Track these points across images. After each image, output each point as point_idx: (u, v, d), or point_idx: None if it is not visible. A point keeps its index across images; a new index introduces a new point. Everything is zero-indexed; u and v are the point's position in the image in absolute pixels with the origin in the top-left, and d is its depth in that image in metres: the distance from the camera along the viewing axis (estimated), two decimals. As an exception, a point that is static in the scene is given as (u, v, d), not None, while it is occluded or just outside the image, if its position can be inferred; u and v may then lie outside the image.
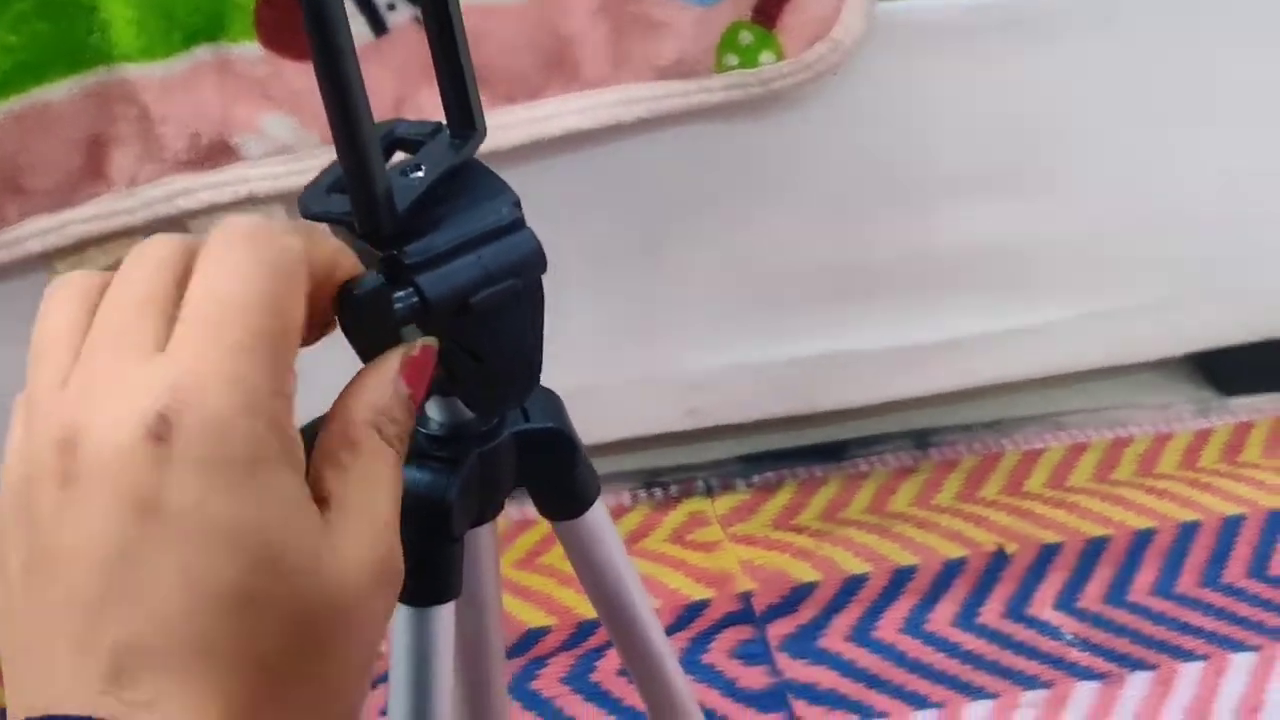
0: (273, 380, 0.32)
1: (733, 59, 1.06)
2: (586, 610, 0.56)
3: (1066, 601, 1.22)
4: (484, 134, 0.46)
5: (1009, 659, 1.17)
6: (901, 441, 1.44)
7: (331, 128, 0.39)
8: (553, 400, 0.55)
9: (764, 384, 1.32)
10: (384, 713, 0.55)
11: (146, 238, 0.36)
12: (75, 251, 1.06)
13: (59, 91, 0.97)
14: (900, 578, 1.26)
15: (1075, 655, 1.17)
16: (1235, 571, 1.25)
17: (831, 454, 1.42)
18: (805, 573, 1.27)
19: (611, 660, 1.16)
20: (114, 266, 0.36)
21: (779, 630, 1.21)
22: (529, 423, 0.53)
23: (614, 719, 1.13)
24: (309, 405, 0.37)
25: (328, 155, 0.38)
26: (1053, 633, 1.19)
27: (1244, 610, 1.20)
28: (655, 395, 1.30)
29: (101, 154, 1.01)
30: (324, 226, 0.42)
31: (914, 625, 1.21)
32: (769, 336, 1.29)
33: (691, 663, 1.18)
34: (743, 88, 1.08)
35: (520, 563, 1.28)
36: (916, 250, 1.25)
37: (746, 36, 1.05)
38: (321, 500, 0.34)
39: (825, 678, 1.16)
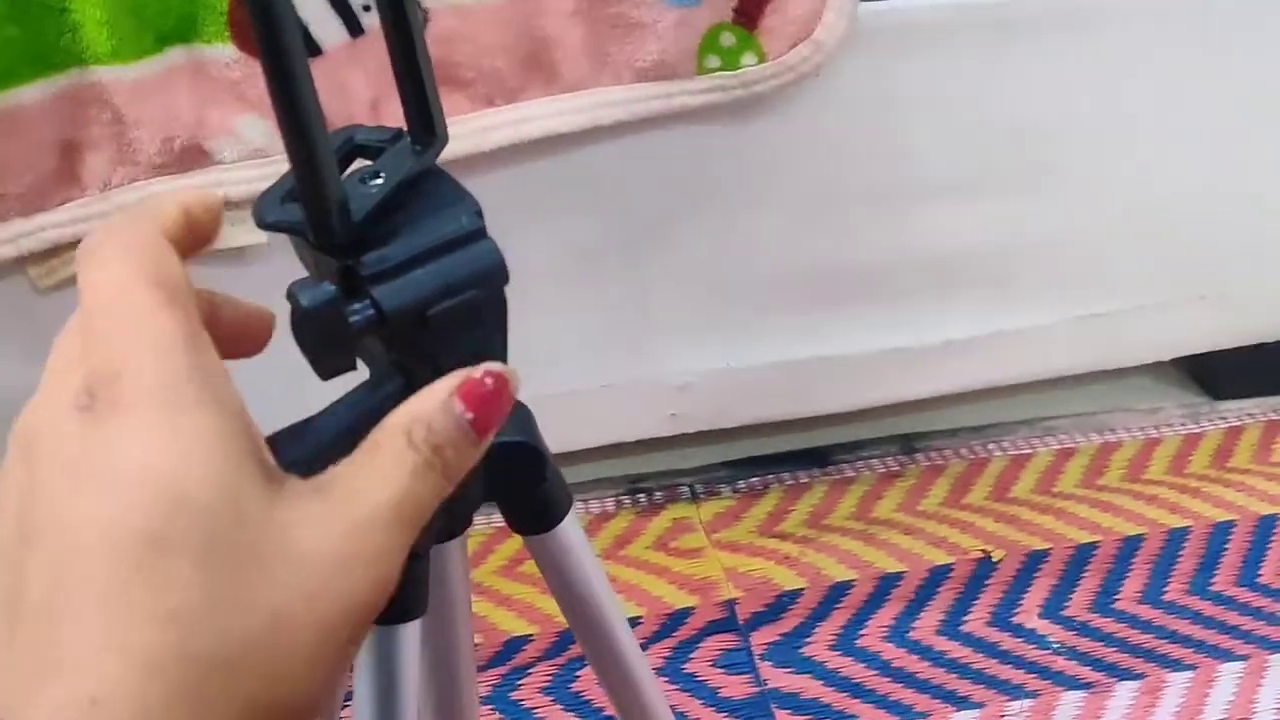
0: (181, 330, 0.32)
1: (714, 61, 1.05)
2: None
3: (1053, 609, 1.21)
4: (445, 140, 0.44)
5: (995, 668, 1.16)
6: (888, 446, 1.43)
7: (282, 134, 0.37)
8: (521, 413, 0.53)
9: (748, 388, 1.31)
10: (348, 733, 0.54)
11: None
12: (50, 255, 1.04)
13: (31, 94, 0.96)
14: (885, 585, 1.25)
15: (1062, 664, 1.16)
16: (1224, 579, 1.24)
17: (817, 459, 1.41)
18: (790, 580, 1.26)
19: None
20: None
21: (762, 638, 1.20)
22: (498, 436, 0.52)
23: (596, 729, 1.12)
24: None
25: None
26: (1039, 641, 1.18)
27: (1233, 618, 1.19)
28: (638, 400, 1.29)
29: (75, 157, 1.00)
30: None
31: (899, 633, 1.20)
32: (753, 340, 1.28)
33: (674, 672, 1.16)
34: (724, 90, 1.06)
35: (501, 570, 1.26)
36: (902, 253, 1.24)
37: (728, 38, 1.04)
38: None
39: (809, 687, 1.15)
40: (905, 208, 1.22)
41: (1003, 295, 1.30)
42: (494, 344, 0.44)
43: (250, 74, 0.97)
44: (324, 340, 0.39)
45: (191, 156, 1.00)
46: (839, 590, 1.25)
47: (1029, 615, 1.21)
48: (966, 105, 1.17)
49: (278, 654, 0.31)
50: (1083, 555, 1.27)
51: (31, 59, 0.95)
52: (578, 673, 1.16)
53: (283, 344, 0.40)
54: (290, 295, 0.40)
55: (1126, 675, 1.14)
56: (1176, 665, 1.15)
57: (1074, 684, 1.14)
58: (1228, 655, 1.16)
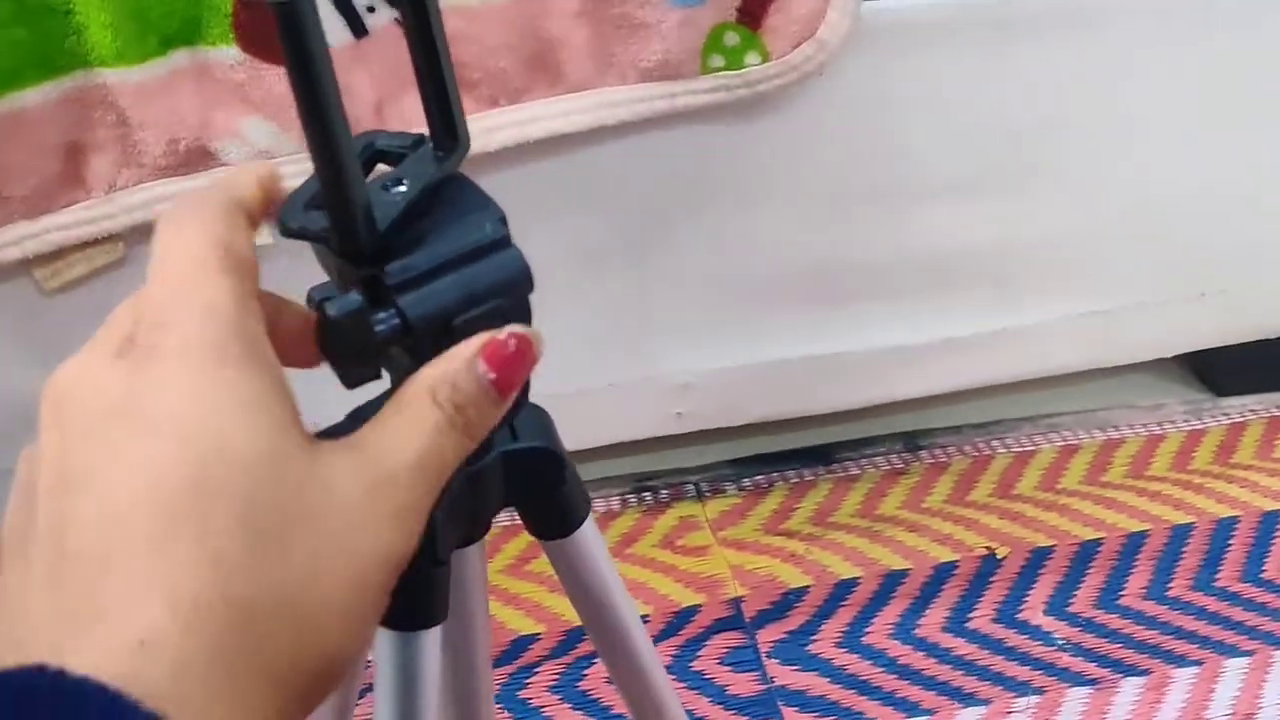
0: (230, 291, 0.34)
1: (718, 60, 1.05)
2: (575, 617, 0.55)
3: (1058, 606, 1.22)
4: (468, 147, 0.44)
5: (1000, 664, 1.16)
6: (891, 444, 1.43)
7: (308, 142, 0.37)
8: (542, 418, 0.53)
9: (753, 387, 1.31)
10: (368, 739, 0.54)
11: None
12: (55, 258, 1.04)
13: (35, 97, 0.96)
14: (891, 582, 1.25)
15: (1067, 660, 1.16)
16: (1229, 575, 1.24)
17: (821, 457, 1.41)
18: (795, 577, 1.26)
19: (601, 668, 1.15)
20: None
21: (769, 636, 1.20)
22: (517, 441, 0.52)
23: (603, 728, 1.12)
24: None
25: (309, 160, 0.37)
26: (1044, 638, 1.18)
27: (1238, 614, 1.19)
28: (643, 399, 1.29)
29: (80, 160, 1.00)
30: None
31: (904, 630, 1.20)
32: (757, 339, 1.28)
33: (681, 670, 1.17)
34: (728, 89, 1.06)
35: (508, 569, 1.26)
36: (905, 252, 1.24)
37: (732, 38, 1.04)
38: None
39: (815, 684, 1.15)
40: (908, 206, 1.22)
41: (1005, 293, 1.30)
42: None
43: (255, 76, 0.97)
44: (350, 349, 0.39)
45: (197, 158, 1.00)
46: (845, 587, 1.25)
47: (1034, 612, 1.21)
48: (968, 104, 1.17)
49: (314, 603, 0.32)
50: (1087, 552, 1.27)
51: (36, 61, 0.94)
52: (585, 671, 1.16)
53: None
54: (316, 304, 0.40)
55: (1132, 671, 1.14)
56: (1182, 661, 1.15)
57: (1079, 680, 1.14)
58: (1233, 651, 1.16)
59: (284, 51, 0.35)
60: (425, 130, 0.44)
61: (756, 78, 1.06)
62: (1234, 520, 1.30)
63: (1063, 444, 1.42)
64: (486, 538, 0.56)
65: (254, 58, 0.96)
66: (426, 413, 0.35)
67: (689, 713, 1.11)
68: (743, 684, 1.16)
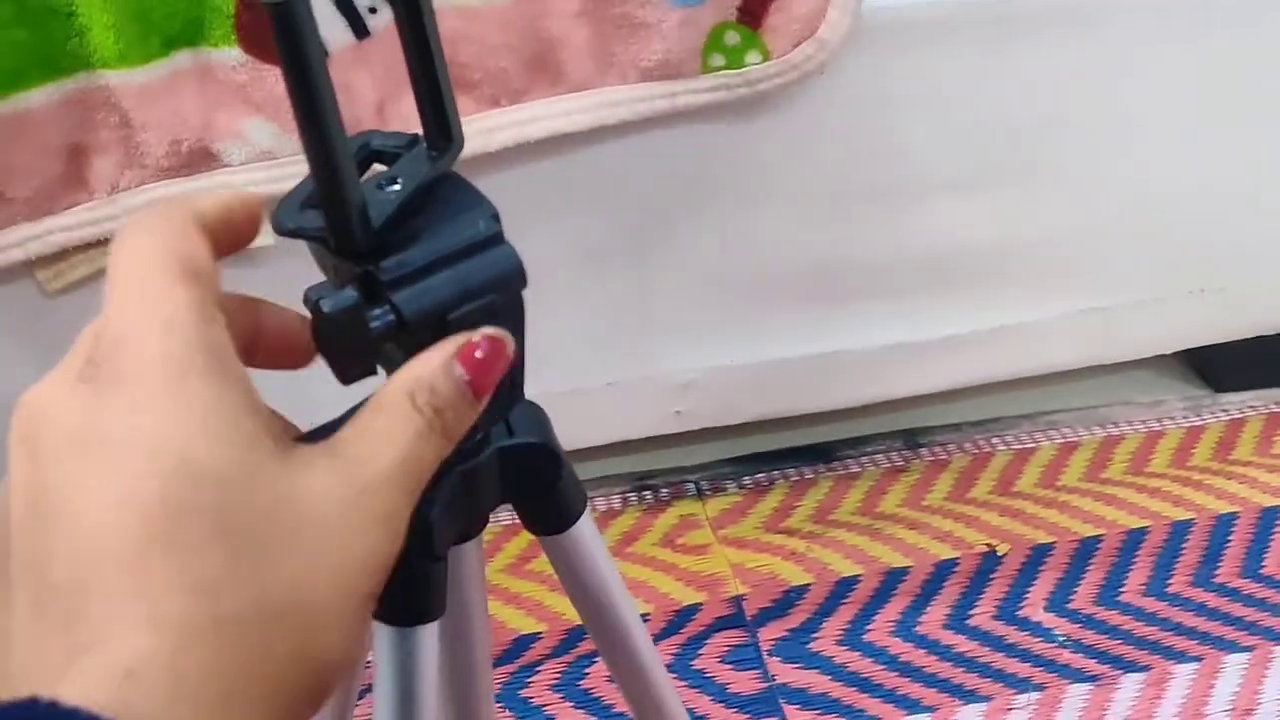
0: (191, 303, 0.33)
1: (718, 60, 1.05)
2: (577, 616, 0.56)
3: (1058, 602, 1.22)
4: (461, 145, 0.45)
5: (1001, 661, 1.16)
6: (891, 441, 1.43)
7: (303, 142, 0.38)
8: (537, 414, 0.54)
9: (753, 385, 1.31)
10: (367, 733, 0.54)
11: None
12: (58, 259, 1.05)
13: (38, 98, 0.96)
14: (891, 580, 1.26)
15: (1067, 657, 1.16)
16: (1228, 571, 1.24)
17: (821, 455, 1.42)
18: (796, 575, 1.26)
19: (602, 666, 1.15)
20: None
21: (770, 634, 1.20)
22: (513, 437, 0.52)
23: (605, 726, 1.12)
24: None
25: (309, 161, 0.38)
26: (1045, 634, 1.19)
27: (1237, 610, 1.20)
28: (643, 398, 1.29)
29: (82, 161, 1.00)
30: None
31: (905, 628, 1.20)
32: (757, 338, 1.28)
33: (683, 668, 1.17)
34: (729, 89, 1.07)
35: (509, 568, 1.27)
36: (905, 250, 1.25)
37: (732, 37, 1.04)
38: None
39: (817, 682, 1.15)
40: (908, 204, 1.22)
41: (1004, 290, 1.31)
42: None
43: (257, 77, 0.97)
44: (345, 346, 0.39)
45: (199, 159, 1.01)
46: (845, 585, 1.25)
47: (1034, 609, 1.21)
48: (968, 102, 1.17)
49: (303, 614, 0.32)
50: (1087, 548, 1.28)
51: (39, 63, 0.95)
52: (587, 669, 1.17)
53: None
54: (310, 301, 0.40)
55: (1132, 667, 1.15)
56: (1182, 657, 1.15)
57: (1080, 677, 1.14)
58: (1233, 647, 1.16)
59: (278, 51, 0.36)
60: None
61: (757, 77, 1.07)
62: (1233, 516, 1.30)
63: (1062, 441, 1.42)
64: (486, 535, 0.56)
65: (256, 59, 0.97)
66: (406, 417, 0.35)
67: (690, 711, 1.11)
68: (744, 682, 1.16)
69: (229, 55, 0.97)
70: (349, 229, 0.39)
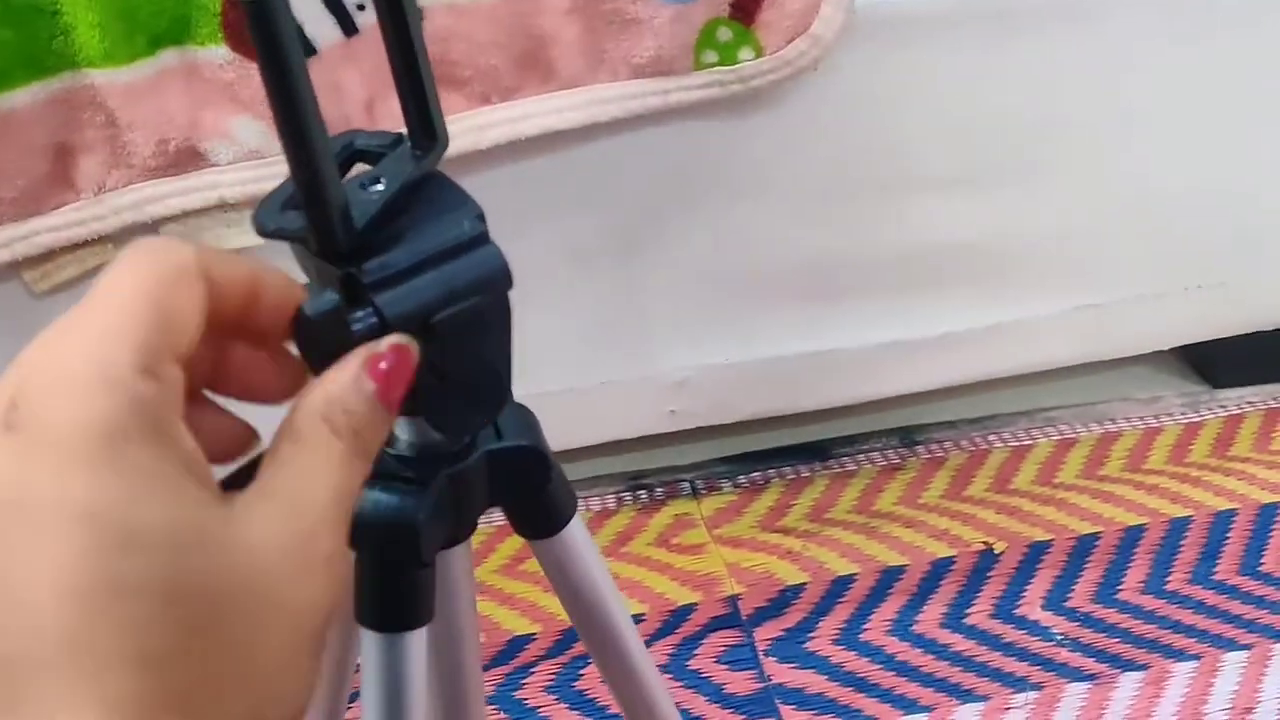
0: (137, 360, 0.31)
1: (711, 56, 1.04)
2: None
3: (1056, 601, 1.21)
4: (446, 145, 0.44)
5: (998, 660, 1.16)
6: (888, 439, 1.42)
7: (282, 141, 0.37)
8: (526, 416, 0.53)
9: (747, 383, 1.31)
10: (355, 741, 0.54)
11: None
12: (44, 260, 1.04)
13: (23, 98, 0.95)
14: (888, 578, 1.25)
15: (1065, 655, 1.16)
16: (1227, 568, 1.24)
17: (817, 453, 1.41)
18: (792, 575, 1.25)
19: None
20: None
21: (766, 634, 1.19)
22: (501, 440, 0.52)
23: (600, 727, 1.12)
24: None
25: (297, 161, 0.37)
26: (1042, 633, 1.18)
27: (1236, 608, 1.19)
28: (637, 397, 1.28)
29: (68, 161, 0.99)
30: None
31: (902, 627, 1.19)
32: (751, 335, 1.27)
33: (678, 668, 1.16)
34: (722, 85, 1.06)
35: (503, 569, 1.26)
36: (901, 246, 1.24)
37: (725, 33, 1.04)
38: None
39: (813, 682, 1.15)
40: (903, 201, 1.21)
41: (1001, 287, 1.30)
42: (499, 349, 0.44)
43: (244, 75, 0.97)
44: (326, 348, 0.39)
45: (186, 159, 1.00)
46: (841, 584, 1.24)
47: (1032, 607, 1.21)
48: (964, 98, 1.17)
49: (257, 670, 0.31)
50: (1084, 546, 1.27)
51: (24, 62, 0.94)
52: (581, 671, 1.16)
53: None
54: (293, 305, 0.39)
55: (1130, 666, 1.14)
56: (1180, 655, 1.15)
57: (1078, 675, 1.13)
58: (1231, 644, 1.15)
59: (256, 49, 0.35)
60: None
61: (750, 73, 1.06)
62: (1232, 513, 1.30)
63: (1059, 438, 1.41)
64: (478, 537, 0.55)
65: (243, 57, 0.96)
66: (329, 445, 0.34)
67: (685, 712, 1.10)
68: (740, 682, 1.15)
69: (216, 54, 0.96)
70: (330, 230, 0.38)
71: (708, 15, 1.03)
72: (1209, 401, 1.46)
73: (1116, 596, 1.21)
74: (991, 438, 1.42)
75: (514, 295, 0.43)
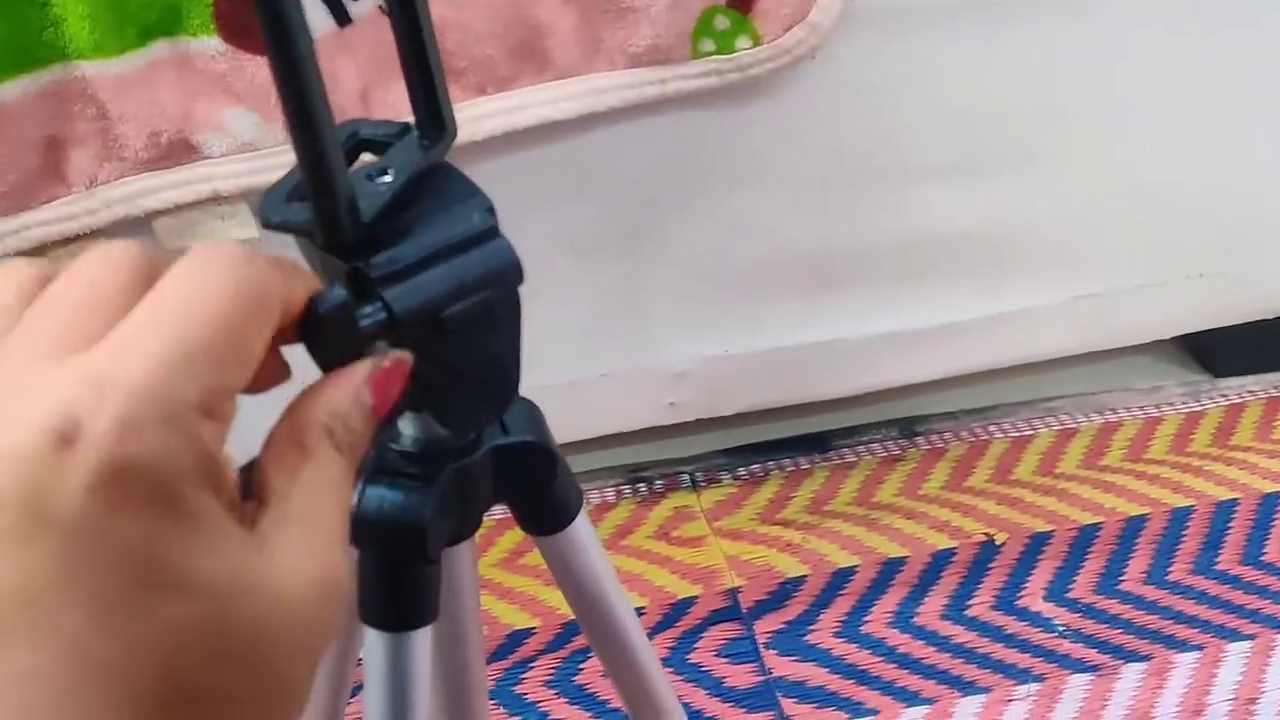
0: (204, 399, 0.29)
1: (709, 45, 1.03)
2: (570, 611, 0.55)
3: (1057, 592, 1.21)
4: (454, 135, 0.43)
5: (1000, 652, 1.15)
6: (888, 430, 1.42)
7: (289, 131, 0.36)
8: (532, 412, 0.52)
9: (747, 375, 1.30)
10: (360, 743, 0.53)
11: (110, 239, 0.33)
12: (37, 254, 1.03)
13: (13, 91, 0.94)
14: (888, 570, 1.24)
15: (1067, 647, 1.15)
16: (1229, 558, 1.23)
17: (817, 445, 1.40)
18: (792, 567, 1.25)
19: (597, 662, 1.14)
20: None
21: (766, 627, 1.19)
22: (507, 435, 0.51)
23: (600, 722, 1.11)
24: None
25: (294, 153, 0.36)
26: (1044, 624, 1.17)
27: (1239, 598, 1.19)
28: (636, 389, 1.28)
29: (59, 154, 0.98)
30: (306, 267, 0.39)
31: (903, 619, 1.19)
32: (750, 326, 1.26)
33: (678, 662, 1.15)
34: (720, 74, 1.05)
35: (502, 563, 1.25)
36: (899, 236, 1.23)
37: (722, 21, 1.03)
38: (260, 498, 0.32)
39: (814, 675, 1.14)
40: (902, 190, 1.21)
41: (1000, 276, 1.29)
42: (508, 345, 0.43)
43: (237, 66, 0.95)
44: (333, 344, 0.38)
45: (179, 151, 0.98)
46: (842, 576, 1.24)
47: (1033, 598, 1.20)
48: (962, 87, 1.16)
49: (279, 691, 0.31)
50: (1086, 537, 1.26)
51: (13, 55, 0.93)
52: (581, 665, 1.15)
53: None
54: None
55: (1133, 657, 1.13)
56: (1183, 646, 1.14)
57: (1080, 666, 1.13)
58: (1234, 635, 1.15)
59: (264, 36, 0.34)
60: (412, 118, 0.43)
61: (748, 62, 1.05)
62: (1233, 503, 1.29)
63: (1060, 428, 1.41)
64: (480, 531, 0.55)
65: (236, 48, 0.95)
66: (335, 462, 0.33)
67: (686, 706, 1.10)
68: (740, 675, 1.14)
69: (208, 44, 0.95)
70: (338, 222, 0.37)
71: (705, 3, 1.02)
72: (1210, 391, 1.45)
73: (1118, 587, 1.21)
74: (992, 428, 1.41)
75: (513, 288, 0.42)
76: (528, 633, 1.19)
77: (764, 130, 1.13)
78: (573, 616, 0.61)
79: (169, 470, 0.28)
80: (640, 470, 1.38)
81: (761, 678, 1.14)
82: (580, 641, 1.16)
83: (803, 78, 1.10)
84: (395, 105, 0.96)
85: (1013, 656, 1.15)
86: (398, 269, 0.38)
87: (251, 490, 0.33)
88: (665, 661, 1.15)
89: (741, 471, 1.37)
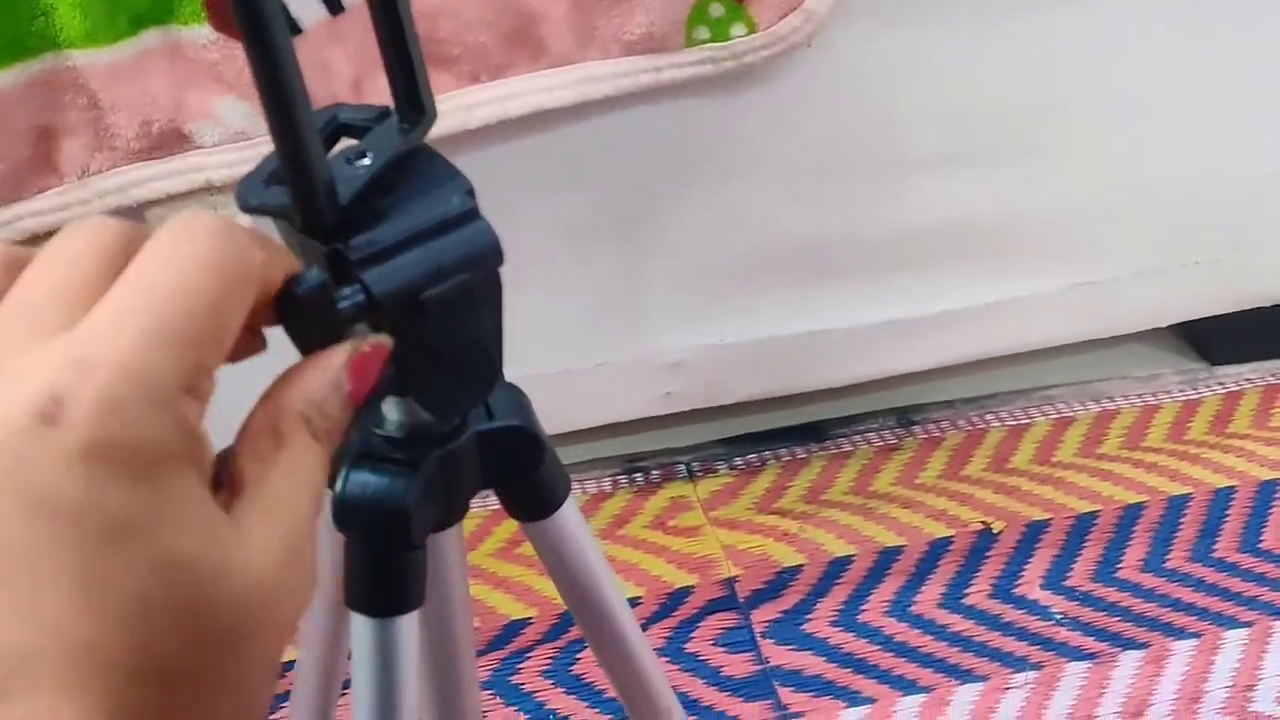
0: (185, 377, 0.29)
1: (703, 32, 1.03)
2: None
3: (1055, 580, 1.20)
4: (434, 117, 0.43)
5: (997, 640, 1.15)
6: (884, 420, 1.41)
7: (265, 113, 0.36)
8: (517, 396, 0.52)
9: (743, 364, 1.30)
10: (347, 729, 0.53)
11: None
12: (29, 245, 1.02)
13: (3, 80, 0.94)
14: (885, 559, 1.24)
15: (1065, 635, 1.15)
16: (1226, 545, 1.23)
17: (813, 434, 1.40)
18: (789, 556, 1.25)
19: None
20: None
21: (763, 616, 1.19)
22: (493, 420, 0.50)
23: (597, 711, 1.11)
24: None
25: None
26: (1042, 612, 1.17)
27: (1236, 585, 1.18)
28: (632, 379, 1.27)
29: (51, 144, 0.98)
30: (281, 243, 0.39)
31: (900, 607, 1.19)
32: (746, 316, 1.26)
33: (675, 651, 1.15)
34: (714, 62, 1.05)
35: (499, 553, 1.25)
36: (896, 225, 1.23)
37: (717, 9, 1.02)
38: (234, 486, 0.32)
39: (811, 663, 1.14)
40: (898, 180, 1.20)
41: (997, 265, 1.29)
42: (490, 327, 0.43)
43: (229, 55, 0.95)
44: (312, 326, 0.37)
45: (171, 140, 0.98)
46: (839, 565, 1.23)
47: (1031, 586, 1.20)
48: (960, 75, 1.16)
49: (251, 676, 0.31)
50: (1083, 525, 1.26)
51: (3, 44, 0.93)
52: (578, 655, 1.15)
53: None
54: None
55: (1130, 644, 1.13)
56: (1181, 633, 1.14)
57: (1078, 655, 1.13)
58: (1232, 622, 1.15)
59: (237, 19, 0.34)
60: None
61: (743, 50, 1.05)
62: (1231, 490, 1.29)
63: (1057, 416, 1.40)
64: (474, 520, 0.54)
65: (227, 36, 0.95)
66: (310, 450, 0.33)
67: (683, 695, 1.10)
68: (737, 665, 1.14)
69: (199, 33, 0.94)
70: (315, 205, 0.37)
71: (699, -9, 1.01)
72: (1207, 379, 1.45)
73: (1116, 575, 1.21)
74: (989, 417, 1.41)
75: (506, 277, 0.42)
76: (524, 622, 1.19)
77: (759, 119, 1.13)
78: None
79: (151, 448, 0.28)
80: (637, 460, 1.37)
81: (758, 667, 1.14)
82: (577, 631, 1.16)
83: (799, 66, 1.09)
84: (388, 94, 0.96)
85: (1010, 645, 1.14)
86: (376, 251, 0.38)
87: (224, 478, 0.33)
88: (662, 651, 1.15)
89: (738, 461, 1.37)
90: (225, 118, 0.98)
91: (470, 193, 0.41)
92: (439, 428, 0.48)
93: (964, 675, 1.12)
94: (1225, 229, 1.32)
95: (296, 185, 0.37)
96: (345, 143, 0.42)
